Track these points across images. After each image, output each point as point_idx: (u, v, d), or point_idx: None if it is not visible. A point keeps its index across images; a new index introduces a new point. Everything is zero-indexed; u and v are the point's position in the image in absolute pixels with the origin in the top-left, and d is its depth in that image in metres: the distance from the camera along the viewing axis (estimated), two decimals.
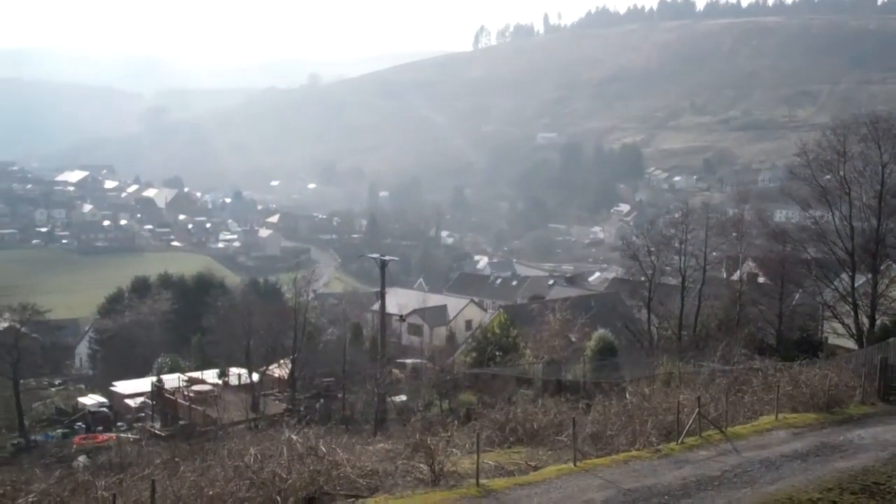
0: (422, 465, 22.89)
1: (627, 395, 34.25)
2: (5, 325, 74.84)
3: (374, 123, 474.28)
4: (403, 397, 57.55)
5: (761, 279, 65.17)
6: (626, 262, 68.78)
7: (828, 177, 54.80)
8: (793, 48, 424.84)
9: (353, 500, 20.75)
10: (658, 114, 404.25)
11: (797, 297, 60.71)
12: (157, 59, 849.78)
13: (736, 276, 64.53)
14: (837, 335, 55.07)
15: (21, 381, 69.96)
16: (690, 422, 26.82)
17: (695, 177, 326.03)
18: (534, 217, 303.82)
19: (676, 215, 67.64)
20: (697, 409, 26.92)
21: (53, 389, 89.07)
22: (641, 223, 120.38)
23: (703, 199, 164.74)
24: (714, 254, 62.88)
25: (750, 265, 66.07)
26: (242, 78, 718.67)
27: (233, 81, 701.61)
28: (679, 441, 25.95)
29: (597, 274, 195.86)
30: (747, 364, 41.07)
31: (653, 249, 61.71)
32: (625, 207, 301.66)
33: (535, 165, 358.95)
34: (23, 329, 70.88)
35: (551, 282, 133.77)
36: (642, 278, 61.88)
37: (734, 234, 62.72)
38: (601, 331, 56.85)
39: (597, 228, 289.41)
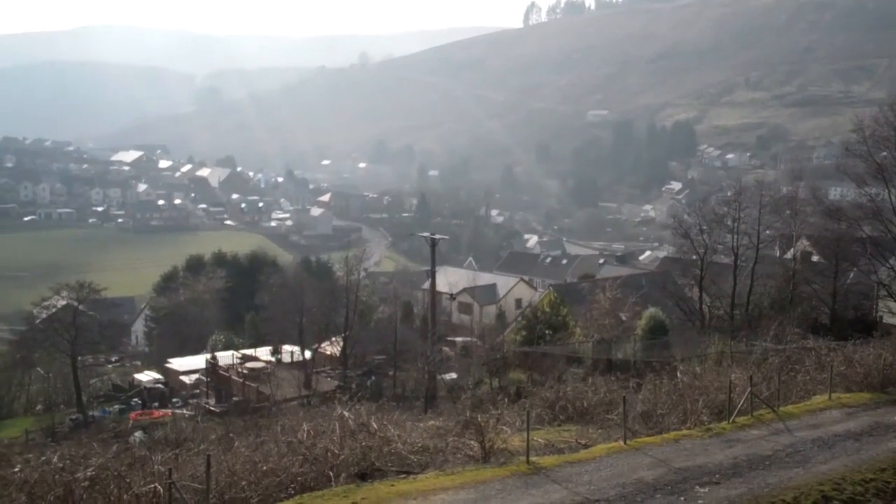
0: (472, 443, 23.08)
1: (678, 374, 34.15)
2: (63, 303, 75.86)
3: (425, 102, 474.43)
4: (453, 375, 57.80)
5: (815, 257, 64.26)
6: (677, 240, 68.19)
7: (884, 153, 53.80)
8: (849, 22, 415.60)
9: (404, 475, 20.98)
10: (711, 90, 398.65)
11: (852, 275, 59.89)
12: (209, 39, 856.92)
13: (789, 255, 63.64)
14: (893, 314, 54.28)
15: (79, 358, 70.89)
16: (742, 401, 26.69)
17: (748, 154, 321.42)
18: (584, 195, 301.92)
19: (729, 193, 66.95)
20: (749, 389, 26.79)
21: (110, 366, 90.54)
22: (693, 201, 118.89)
23: (757, 176, 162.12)
24: (767, 232, 62.05)
25: (804, 243, 65.13)
26: (293, 56, 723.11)
27: (284, 60, 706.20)
28: (730, 420, 25.85)
29: (648, 253, 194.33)
30: (800, 343, 40.72)
31: (705, 228, 61.03)
32: (676, 185, 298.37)
33: (585, 143, 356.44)
34: (80, 307, 71.69)
35: (602, 261, 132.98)
36: (694, 257, 61.31)
37: (788, 211, 61.78)
38: (652, 309, 56.46)
39: (648, 207, 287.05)
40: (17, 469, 19.46)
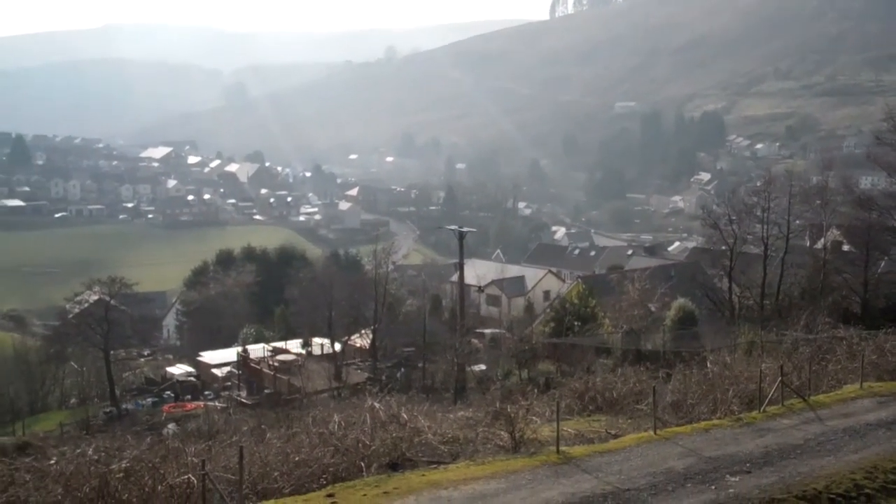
0: (502, 433, 23.19)
1: (708, 365, 34.09)
2: (95, 298, 76.76)
3: (451, 95, 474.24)
4: (483, 367, 57.95)
5: (846, 247, 63.82)
6: (706, 231, 67.84)
7: None
8: (880, 10, 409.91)
9: (434, 465, 21.12)
10: (740, 80, 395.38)
11: (883, 264, 59.38)
12: (235, 36, 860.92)
13: (820, 245, 63.20)
14: None
15: (111, 352, 71.82)
16: (773, 391, 26.61)
17: (777, 144, 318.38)
18: (612, 187, 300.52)
19: (758, 183, 66.53)
20: (780, 378, 26.69)
21: (142, 360, 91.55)
22: (723, 192, 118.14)
23: (787, 166, 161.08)
24: (797, 222, 61.70)
25: (834, 233, 64.67)
26: (319, 52, 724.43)
27: (310, 56, 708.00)
28: (761, 410, 25.77)
29: (676, 244, 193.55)
30: (831, 333, 40.45)
31: (734, 218, 60.70)
32: (705, 176, 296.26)
33: (613, 135, 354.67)
34: (112, 302, 72.55)
35: (630, 252, 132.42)
36: (723, 247, 61.00)
37: (818, 201, 61.30)
38: (681, 300, 56.20)
39: (676, 198, 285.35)
40: (53, 461, 19.77)
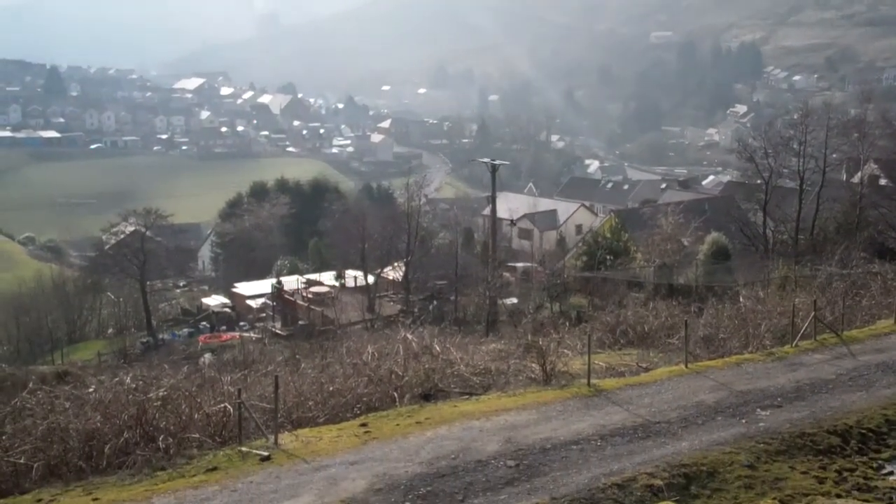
0: (533, 365, 23.31)
1: (741, 299, 34.00)
2: (131, 229, 77.38)
3: (485, 24, 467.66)
4: (514, 300, 58.09)
5: (883, 181, 62.97)
6: (741, 164, 66.97)
7: None
8: None
9: (466, 396, 21.35)
10: (778, 9, 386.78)
11: None
12: None
13: (857, 179, 62.36)
14: None
15: (147, 283, 72.63)
16: (805, 325, 26.52)
17: (816, 76, 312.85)
18: (646, 119, 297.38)
19: (795, 116, 65.32)
20: (813, 313, 26.58)
21: (178, 291, 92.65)
22: (759, 124, 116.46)
23: (824, 98, 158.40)
24: (834, 155, 60.86)
25: (872, 167, 63.75)
26: None
27: None
28: (793, 345, 25.72)
29: (711, 177, 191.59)
30: (866, 268, 40.16)
31: (770, 151, 59.95)
32: (741, 108, 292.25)
33: (648, 66, 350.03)
34: (148, 233, 73.09)
35: (664, 185, 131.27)
36: (759, 181, 60.37)
37: (856, 134, 60.31)
38: (715, 234, 55.82)
39: (712, 130, 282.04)
40: (91, 389, 20.09)
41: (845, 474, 16.68)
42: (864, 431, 18.68)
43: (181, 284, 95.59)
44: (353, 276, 69.70)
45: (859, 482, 16.39)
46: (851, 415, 19.42)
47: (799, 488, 15.83)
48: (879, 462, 17.52)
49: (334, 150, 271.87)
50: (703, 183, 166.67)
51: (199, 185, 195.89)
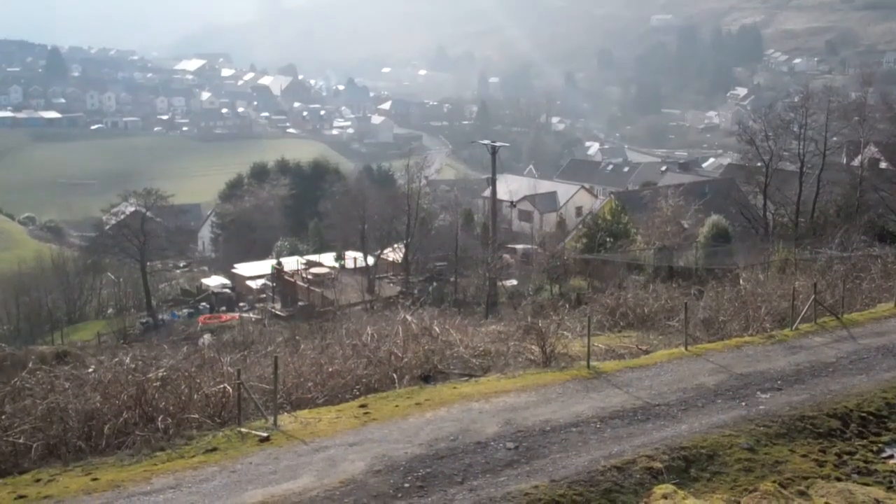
0: (533, 347, 23.31)
1: (741, 282, 33.96)
2: (132, 209, 77.46)
3: (485, 7, 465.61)
4: (514, 282, 58.09)
5: (884, 164, 62.86)
6: (742, 147, 66.83)
7: None
8: None
9: (466, 378, 21.34)
10: None
11: None
12: None
13: (857, 162, 62.30)
14: None
15: (147, 264, 72.70)
16: (806, 308, 26.48)
17: (816, 59, 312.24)
18: (647, 102, 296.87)
19: (796, 99, 65.27)
20: (813, 296, 26.52)
21: (178, 271, 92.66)
22: (759, 107, 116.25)
23: (825, 82, 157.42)
24: (834, 139, 60.76)
25: (872, 150, 63.65)
26: None
27: None
28: (793, 328, 25.68)
29: (711, 160, 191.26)
30: (866, 251, 40.15)
31: (770, 134, 59.85)
32: (741, 91, 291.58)
33: (649, 49, 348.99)
34: (148, 213, 73.12)
35: (664, 168, 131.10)
36: (759, 164, 60.27)
37: (856, 117, 60.27)
38: (715, 217, 55.79)
39: (712, 113, 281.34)
40: (91, 369, 20.10)
41: (845, 457, 16.70)
42: (864, 414, 18.68)
43: (181, 265, 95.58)
44: (353, 258, 69.73)
45: (859, 465, 16.42)
46: (851, 398, 19.42)
47: (799, 471, 15.86)
48: (879, 445, 17.54)
49: (335, 132, 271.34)
50: (704, 165, 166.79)
51: (199, 165, 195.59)
